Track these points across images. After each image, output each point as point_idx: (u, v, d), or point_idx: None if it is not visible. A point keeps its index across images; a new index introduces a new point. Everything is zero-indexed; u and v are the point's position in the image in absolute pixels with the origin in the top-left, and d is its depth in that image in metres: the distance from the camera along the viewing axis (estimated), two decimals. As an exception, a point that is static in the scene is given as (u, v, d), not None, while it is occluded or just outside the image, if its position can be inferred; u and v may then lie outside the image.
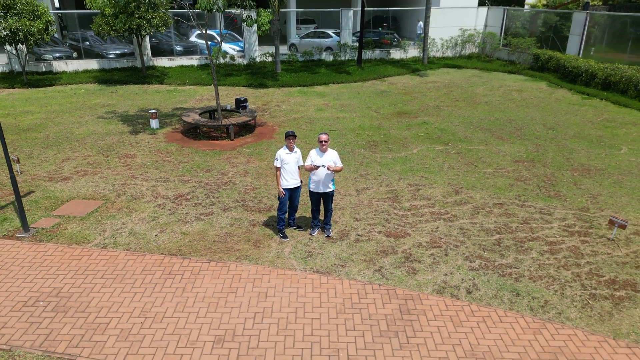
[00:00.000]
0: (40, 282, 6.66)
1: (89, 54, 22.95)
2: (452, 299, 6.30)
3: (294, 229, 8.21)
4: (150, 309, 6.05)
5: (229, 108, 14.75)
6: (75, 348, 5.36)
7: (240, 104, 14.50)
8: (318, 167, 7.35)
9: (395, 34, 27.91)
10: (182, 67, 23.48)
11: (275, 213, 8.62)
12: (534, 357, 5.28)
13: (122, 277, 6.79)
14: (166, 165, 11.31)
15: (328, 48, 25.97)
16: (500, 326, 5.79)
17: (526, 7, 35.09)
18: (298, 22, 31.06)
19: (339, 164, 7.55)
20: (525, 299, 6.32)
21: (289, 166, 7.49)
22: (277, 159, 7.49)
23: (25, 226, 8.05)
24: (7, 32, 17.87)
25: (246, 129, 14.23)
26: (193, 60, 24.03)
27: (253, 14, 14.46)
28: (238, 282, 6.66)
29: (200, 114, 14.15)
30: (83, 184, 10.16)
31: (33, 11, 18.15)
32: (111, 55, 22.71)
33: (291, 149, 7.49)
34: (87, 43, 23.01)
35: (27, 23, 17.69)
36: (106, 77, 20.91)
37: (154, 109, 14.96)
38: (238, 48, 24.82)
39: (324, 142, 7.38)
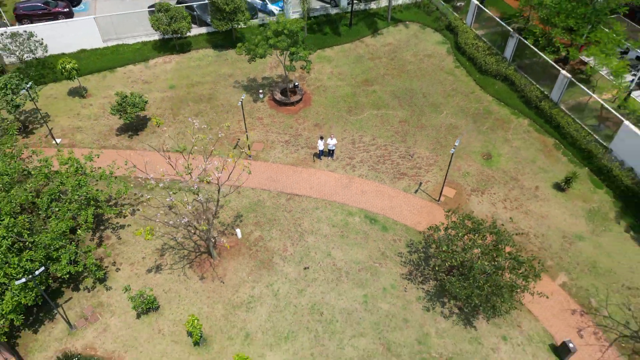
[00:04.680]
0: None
1: (197, 20, 39.61)
2: (363, 179, 28.34)
3: (323, 157, 29.73)
4: (291, 179, 28.19)
5: (293, 85, 34.06)
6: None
7: (295, 87, 33.94)
8: (332, 150, 28.51)
9: (375, -13, 43.24)
10: (252, 29, 39.87)
11: (316, 151, 29.96)
12: (383, 202, 27.63)
13: (278, 171, 28.68)
14: (275, 124, 32.02)
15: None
16: (369, 187, 28.00)
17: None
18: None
19: (335, 142, 28.62)
20: (382, 179, 28.37)
21: (323, 142, 28.58)
22: (319, 144, 28.50)
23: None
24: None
25: (297, 98, 34.10)
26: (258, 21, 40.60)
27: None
28: (306, 173, 28.63)
29: (280, 92, 33.75)
30: (256, 136, 31.11)
31: None
32: (208, 20, 39.69)
33: (323, 139, 28.49)
34: (196, 13, 39.56)
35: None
36: (214, 41, 38.68)
37: (261, 90, 34.21)
38: (279, 8, 41.19)
39: (330, 142, 28.28)
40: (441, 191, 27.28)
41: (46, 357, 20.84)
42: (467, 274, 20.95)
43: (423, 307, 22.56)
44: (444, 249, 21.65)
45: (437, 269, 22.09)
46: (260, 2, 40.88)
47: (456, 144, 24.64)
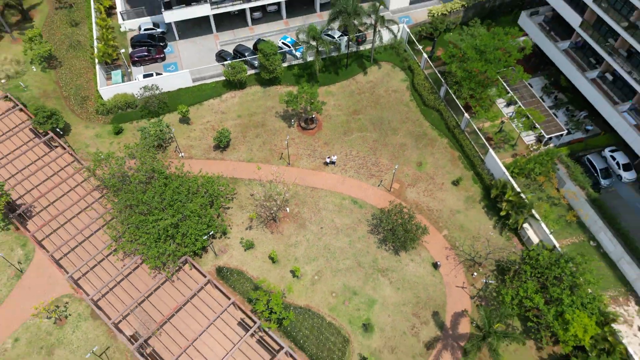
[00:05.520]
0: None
1: (249, 64, 61.79)
2: (351, 178, 53.35)
3: (329, 165, 54.45)
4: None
5: (311, 117, 57.59)
6: (308, 185, 53.20)
7: (313, 118, 57.46)
8: (334, 161, 53.14)
9: (364, 34, 64.51)
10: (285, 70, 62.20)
11: (325, 160, 54.58)
12: (360, 192, 52.89)
13: (305, 173, 53.66)
14: (302, 143, 56.27)
15: (333, 43, 63.45)
16: (353, 183, 53.16)
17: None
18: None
19: (336, 157, 53.19)
20: (361, 178, 53.40)
21: (329, 158, 53.20)
22: (326, 159, 53.05)
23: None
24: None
25: (313, 125, 57.80)
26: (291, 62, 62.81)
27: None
28: (320, 175, 53.62)
29: (304, 121, 57.40)
30: (294, 150, 55.52)
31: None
32: (256, 64, 61.87)
33: (330, 157, 53.06)
34: (249, 60, 61.64)
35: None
36: (261, 80, 61.28)
37: (292, 120, 57.77)
38: (299, 53, 63.03)
39: (333, 158, 52.83)
40: (391, 185, 52.43)
41: (208, 268, 47.50)
42: (394, 231, 46.84)
43: (376, 246, 48.79)
44: (384, 221, 47.49)
45: (383, 229, 48.08)
46: (288, 49, 62.79)
47: (396, 167, 49.56)
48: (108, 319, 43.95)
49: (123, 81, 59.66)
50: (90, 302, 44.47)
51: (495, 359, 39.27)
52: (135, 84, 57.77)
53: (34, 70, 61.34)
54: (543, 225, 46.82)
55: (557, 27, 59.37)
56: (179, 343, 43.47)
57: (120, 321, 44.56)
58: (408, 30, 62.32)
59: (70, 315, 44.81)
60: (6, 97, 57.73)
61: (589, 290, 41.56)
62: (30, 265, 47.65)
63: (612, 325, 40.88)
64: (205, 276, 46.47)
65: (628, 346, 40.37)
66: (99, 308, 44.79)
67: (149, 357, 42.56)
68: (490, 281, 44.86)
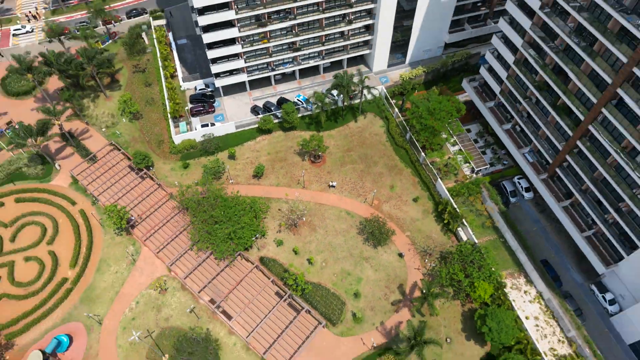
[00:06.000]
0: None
1: (274, 115, 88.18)
2: (346, 197, 79.92)
3: (331, 188, 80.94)
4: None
5: (318, 154, 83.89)
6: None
7: (320, 155, 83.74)
8: (334, 185, 79.66)
9: (356, 92, 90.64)
10: (299, 119, 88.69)
11: (329, 184, 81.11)
12: (352, 206, 79.61)
13: (315, 195, 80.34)
14: (312, 173, 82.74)
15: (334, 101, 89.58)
16: (348, 200, 79.82)
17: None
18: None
19: (336, 183, 79.72)
20: (352, 197, 79.98)
21: (332, 184, 79.74)
22: (330, 184, 79.59)
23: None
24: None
25: (320, 159, 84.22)
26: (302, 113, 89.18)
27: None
28: (325, 195, 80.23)
29: (313, 157, 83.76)
30: (307, 178, 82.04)
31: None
32: (279, 115, 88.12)
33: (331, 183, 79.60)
34: (273, 112, 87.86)
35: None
36: (282, 126, 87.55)
37: (305, 157, 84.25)
38: (309, 107, 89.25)
39: (333, 183, 79.30)
40: (372, 202, 78.94)
41: (254, 258, 74.21)
42: (373, 233, 73.42)
43: (362, 242, 75.37)
44: (367, 226, 74.22)
45: (366, 232, 74.81)
46: (300, 103, 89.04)
47: (374, 191, 76.22)
48: (193, 290, 70.63)
49: (187, 130, 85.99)
50: (181, 279, 71.15)
51: (431, 311, 65.96)
52: (196, 133, 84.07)
53: (124, 121, 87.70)
54: (469, 229, 73.34)
55: (486, 90, 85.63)
56: (239, 306, 70.15)
57: (200, 291, 71.16)
58: (385, 91, 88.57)
59: (168, 288, 71.38)
60: (111, 143, 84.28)
61: (493, 269, 68.06)
62: (139, 257, 74.27)
63: (504, 289, 67.45)
64: (253, 263, 73.16)
65: (513, 302, 67.02)
66: (186, 284, 71.46)
67: (221, 314, 69.26)
68: (434, 265, 71.57)
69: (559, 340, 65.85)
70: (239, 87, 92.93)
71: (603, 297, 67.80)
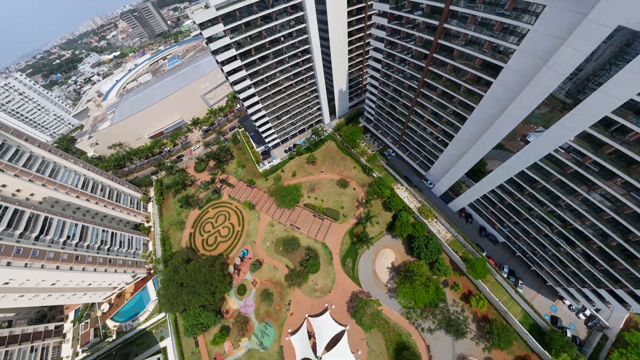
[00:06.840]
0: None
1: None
2: (325, 174, 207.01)
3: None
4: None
5: (312, 161, 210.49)
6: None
7: (314, 160, 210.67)
8: (323, 171, 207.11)
9: (324, 132, 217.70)
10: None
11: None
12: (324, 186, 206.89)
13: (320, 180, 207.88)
14: (314, 169, 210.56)
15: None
16: (328, 176, 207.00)
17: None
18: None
19: (323, 171, 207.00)
20: (328, 174, 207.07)
21: (322, 171, 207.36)
22: (321, 171, 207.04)
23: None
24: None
25: (314, 163, 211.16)
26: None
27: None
28: (319, 175, 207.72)
29: (312, 162, 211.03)
30: (313, 170, 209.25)
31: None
32: (294, 150, 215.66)
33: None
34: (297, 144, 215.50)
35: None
36: (300, 153, 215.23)
37: (309, 162, 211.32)
38: (305, 145, 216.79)
39: (323, 171, 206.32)
40: (339, 173, 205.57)
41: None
42: (342, 183, 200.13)
43: (339, 188, 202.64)
44: (339, 182, 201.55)
45: (339, 184, 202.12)
46: (303, 143, 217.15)
47: (339, 169, 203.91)
48: (284, 222, 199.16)
49: (263, 165, 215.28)
50: (278, 220, 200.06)
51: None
52: (266, 166, 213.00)
53: (240, 169, 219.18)
54: (376, 172, 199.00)
55: (368, 119, 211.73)
56: (304, 224, 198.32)
57: (286, 222, 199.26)
58: (331, 130, 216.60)
59: (274, 224, 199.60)
60: (238, 179, 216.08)
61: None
62: (260, 217, 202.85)
63: (395, 192, 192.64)
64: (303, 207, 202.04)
65: (398, 192, 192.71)
66: (281, 221, 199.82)
67: (296, 228, 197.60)
68: (367, 189, 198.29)
69: (417, 202, 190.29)
70: (276, 144, 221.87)
71: (427, 182, 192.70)
